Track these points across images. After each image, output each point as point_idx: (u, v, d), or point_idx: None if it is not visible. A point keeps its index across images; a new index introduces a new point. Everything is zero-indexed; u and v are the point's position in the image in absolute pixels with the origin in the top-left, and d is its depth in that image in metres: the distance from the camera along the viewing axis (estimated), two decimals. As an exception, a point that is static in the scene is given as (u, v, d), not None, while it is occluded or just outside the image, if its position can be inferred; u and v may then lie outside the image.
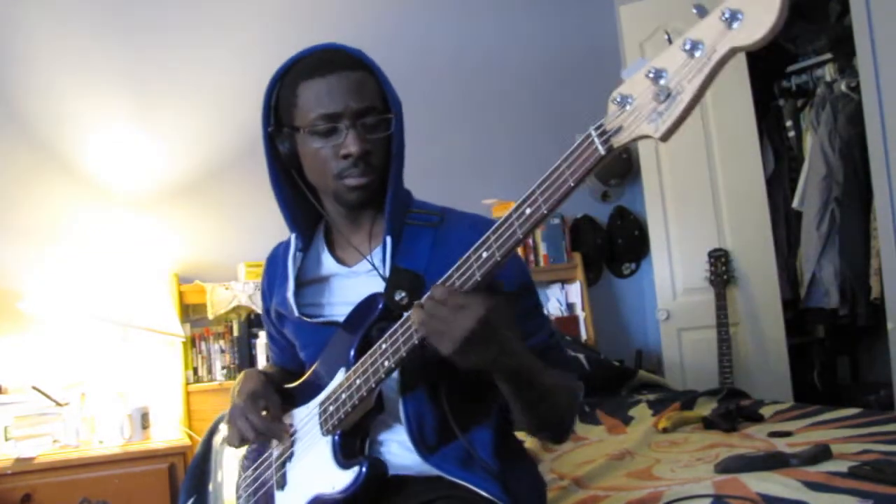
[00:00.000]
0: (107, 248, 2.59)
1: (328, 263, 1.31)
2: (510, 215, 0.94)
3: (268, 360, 2.73)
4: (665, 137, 0.81)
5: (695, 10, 0.78)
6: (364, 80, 1.19)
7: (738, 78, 3.18)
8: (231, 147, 2.90)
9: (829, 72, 3.46)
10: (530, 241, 3.33)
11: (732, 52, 0.75)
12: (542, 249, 3.34)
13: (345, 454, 1.15)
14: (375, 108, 1.19)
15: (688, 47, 0.77)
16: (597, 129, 0.86)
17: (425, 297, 1.00)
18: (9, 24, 2.68)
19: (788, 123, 3.59)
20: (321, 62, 1.20)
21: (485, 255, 0.96)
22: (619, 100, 0.84)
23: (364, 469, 1.11)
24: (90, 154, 2.77)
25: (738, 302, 3.24)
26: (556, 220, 3.35)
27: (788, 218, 3.59)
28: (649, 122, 0.81)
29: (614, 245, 3.61)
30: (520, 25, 3.55)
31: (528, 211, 0.91)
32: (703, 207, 3.31)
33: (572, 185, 0.88)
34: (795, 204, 3.46)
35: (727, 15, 0.74)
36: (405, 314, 1.06)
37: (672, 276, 3.37)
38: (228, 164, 2.90)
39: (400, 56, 3.21)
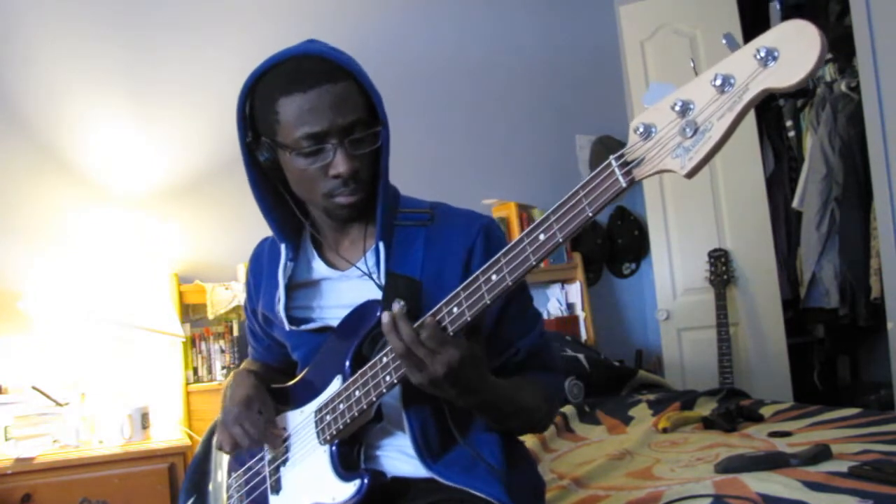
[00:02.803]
0: (107, 248, 2.59)
1: (319, 267, 1.29)
2: (522, 240, 0.91)
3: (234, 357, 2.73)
4: (691, 175, 0.78)
5: (724, 41, 0.75)
6: (347, 90, 1.12)
7: (738, 78, 3.18)
8: (231, 147, 2.84)
9: (829, 72, 3.46)
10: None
11: (766, 93, 0.72)
12: (542, 249, 3.33)
13: (344, 465, 1.14)
14: (362, 120, 1.14)
15: (718, 82, 0.74)
16: (617, 158, 0.82)
17: (406, 329, 0.99)
18: (9, 24, 2.67)
19: (788, 123, 3.60)
20: (300, 74, 1.12)
21: (494, 278, 0.94)
22: (641, 129, 0.80)
23: (366, 481, 1.11)
24: (90, 154, 2.76)
25: (738, 302, 3.24)
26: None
27: (788, 218, 3.59)
28: (674, 156, 0.78)
29: (614, 245, 3.61)
30: (520, 25, 3.55)
31: (542, 237, 0.89)
32: (703, 207, 3.31)
33: (590, 214, 0.84)
34: (795, 204, 3.46)
35: (762, 53, 0.71)
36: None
37: (672, 276, 3.37)
38: (228, 164, 2.89)
39: (400, 56, 3.22)
